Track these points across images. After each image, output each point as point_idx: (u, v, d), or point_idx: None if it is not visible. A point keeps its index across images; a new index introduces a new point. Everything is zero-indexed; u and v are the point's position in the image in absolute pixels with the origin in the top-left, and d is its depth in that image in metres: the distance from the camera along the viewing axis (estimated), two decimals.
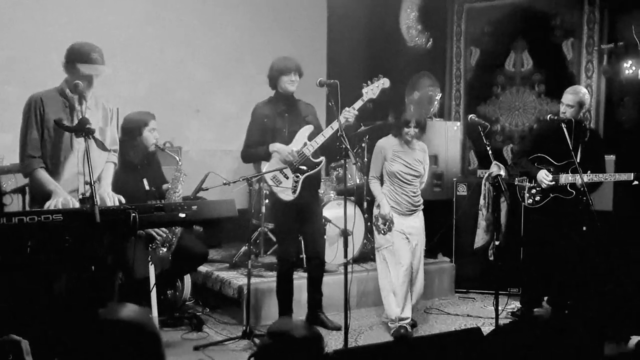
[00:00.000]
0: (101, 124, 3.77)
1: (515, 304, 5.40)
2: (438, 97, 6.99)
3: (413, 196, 4.74)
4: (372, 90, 4.44)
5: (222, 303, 5.25)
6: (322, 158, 4.58)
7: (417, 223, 4.80)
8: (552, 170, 4.90)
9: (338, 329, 4.67)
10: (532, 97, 6.79)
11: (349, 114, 4.32)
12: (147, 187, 4.50)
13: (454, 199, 6.10)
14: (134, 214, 3.19)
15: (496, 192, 4.50)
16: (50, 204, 3.38)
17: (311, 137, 4.47)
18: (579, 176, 4.66)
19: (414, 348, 2.65)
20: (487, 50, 7.02)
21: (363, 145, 6.08)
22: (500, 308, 4.37)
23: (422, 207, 4.85)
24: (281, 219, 4.68)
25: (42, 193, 3.52)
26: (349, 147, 4.05)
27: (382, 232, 4.69)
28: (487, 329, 4.32)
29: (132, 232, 3.27)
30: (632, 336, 2.91)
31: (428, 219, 4.95)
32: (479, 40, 7.07)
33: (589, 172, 4.76)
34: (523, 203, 5.10)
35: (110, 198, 3.59)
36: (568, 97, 4.90)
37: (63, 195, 3.45)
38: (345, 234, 4.04)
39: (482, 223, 5.44)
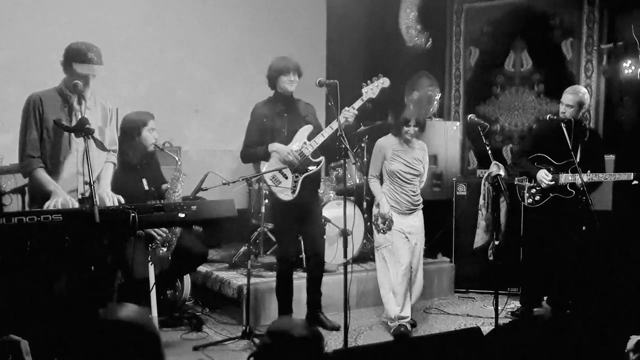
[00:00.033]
0: (100, 124, 3.78)
1: (515, 304, 5.40)
2: (437, 97, 6.99)
3: (413, 195, 4.75)
4: (371, 89, 4.44)
5: (221, 303, 5.25)
6: (322, 158, 4.58)
7: (416, 222, 4.80)
8: (551, 170, 4.90)
9: (336, 329, 4.67)
10: (532, 97, 6.79)
11: (349, 113, 4.31)
12: (146, 187, 4.50)
13: (454, 199, 6.10)
14: (133, 214, 3.20)
15: (496, 191, 4.50)
16: (49, 204, 3.39)
17: (310, 137, 4.46)
18: (578, 176, 4.66)
19: (413, 348, 2.66)
20: (486, 50, 7.03)
21: (362, 145, 6.08)
22: (499, 308, 4.37)
23: (421, 206, 4.85)
24: (281, 219, 4.68)
25: (42, 193, 3.52)
26: (348, 147, 4.05)
27: (382, 231, 4.69)
28: (486, 328, 4.32)
29: (131, 232, 3.27)
30: (631, 336, 2.90)
31: (427, 219, 4.95)
32: (478, 40, 7.08)
33: (588, 171, 4.76)
34: (523, 203, 5.10)
35: (110, 198, 3.59)
36: (567, 96, 4.90)
37: (62, 196, 3.45)
38: (344, 233, 4.04)
39: (481, 223, 5.45)
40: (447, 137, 6.34)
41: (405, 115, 4.72)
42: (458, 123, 6.58)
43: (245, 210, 6.01)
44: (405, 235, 4.70)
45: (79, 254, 3.30)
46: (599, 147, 5.08)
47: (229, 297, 5.11)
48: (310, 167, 4.48)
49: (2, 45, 5.56)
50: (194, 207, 3.47)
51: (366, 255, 5.86)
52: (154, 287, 4.27)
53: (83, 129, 3.34)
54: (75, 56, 3.56)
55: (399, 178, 4.70)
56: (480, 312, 5.44)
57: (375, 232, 4.80)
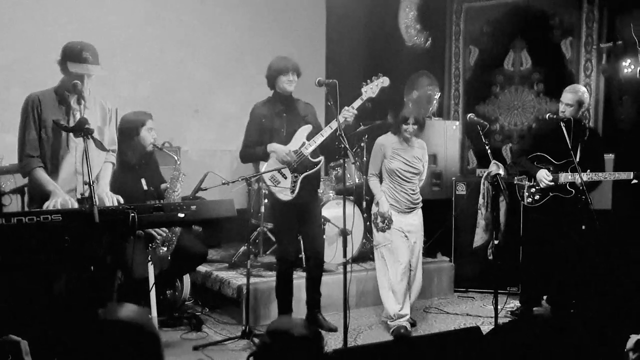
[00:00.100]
0: (100, 124, 3.78)
1: (515, 303, 5.40)
2: (437, 97, 6.99)
3: (412, 194, 4.75)
4: (371, 89, 4.44)
5: (221, 303, 5.25)
6: (321, 158, 4.58)
7: (415, 221, 4.80)
8: (551, 169, 4.90)
9: (334, 330, 4.67)
10: (531, 96, 6.79)
11: (348, 113, 4.31)
12: (145, 187, 4.50)
13: (453, 198, 6.10)
14: (133, 214, 3.20)
15: (495, 191, 4.50)
16: (49, 204, 3.39)
17: (310, 136, 4.46)
18: (578, 175, 4.66)
19: (413, 347, 2.66)
20: (486, 50, 7.03)
21: (362, 144, 6.08)
22: (499, 307, 4.38)
23: (421, 205, 4.85)
24: (280, 219, 4.68)
25: (41, 193, 3.52)
26: (347, 146, 4.05)
27: (381, 230, 4.70)
28: (486, 328, 4.31)
29: (131, 232, 3.27)
30: (631, 335, 2.90)
31: (427, 218, 4.96)
32: (478, 40, 7.08)
33: (588, 171, 4.76)
34: (522, 202, 5.10)
35: (109, 198, 3.59)
36: (567, 96, 4.90)
37: (62, 196, 3.45)
38: (344, 233, 4.04)
39: (481, 222, 5.44)
40: (446, 136, 6.34)
41: (404, 113, 4.72)
42: (457, 122, 6.59)
43: (244, 210, 6.01)
44: (405, 234, 4.71)
45: (79, 254, 3.30)
46: (599, 146, 5.08)
47: (229, 297, 5.11)
48: (309, 167, 4.49)
49: (2, 45, 5.56)
50: (193, 207, 3.47)
51: (366, 254, 5.86)
52: (154, 287, 4.27)
53: (82, 129, 3.34)
54: (70, 55, 3.56)
55: (399, 176, 4.70)
56: (479, 312, 5.45)
57: (374, 230, 4.80)
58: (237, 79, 6.79)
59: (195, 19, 6.66)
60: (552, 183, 4.85)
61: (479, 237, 5.40)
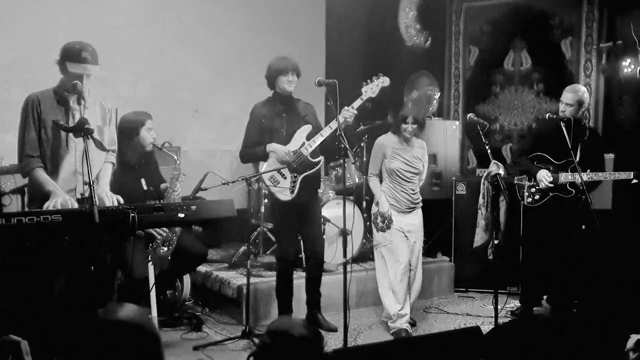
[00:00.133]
0: (99, 124, 3.78)
1: (515, 303, 5.40)
2: (437, 96, 6.99)
3: (412, 194, 4.75)
4: (371, 88, 4.44)
5: (221, 303, 5.25)
6: (321, 158, 4.58)
7: (415, 221, 4.80)
8: (551, 169, 4.90)
9: (333, 330, 4.67)
10: (531, 96, 6.79)
11: (348, 113, 4.31)
12: (145, 187, 4.50)
13: (453, 198, 6.10)
14: (133, 214, 3.20)
15: (495, 191, 4.50)
16: (49, 205, 3.39)
17: (310, 136, 4.46)
18: (578, 175, 4.66)
19: (413, 347, 2.66)
20: (486, 50, 7.03)
21: (362, 144, 6.08)
22: (499, 307, 4.38)
23: (420, 204, 4.85)
24: (280, 219, 4.68)
25: (41, 193, 3.52)
26: (347, 146, 4.05)
27: (381, 229, 4.70)
28: (486, 328, 4.31)
29: (131, 232, 3.27)
30: (631, 335, 2.90)
31: (427, 218, 4.96)
32: (477, 40, 7.08)
33: (588, 170, 4.76)
34: (522, 202, 5.10)
35: (109, 198, 3.59)
36: (567, 95, 4.90)
37: (62, 196, 3.45)
38: (344, 233, 4.04)
39: (481, 222, 5.44)
40: (446, 136, 6.34)
41: (404, 112, 4.72)
42: (457, 122, 6.58)
43: (244, 210, 6.01)
44: (405, 234, 4.71)
45: (79, 254, 3.30)
46: (599, 146, 5.08)
47: (229, 297, 5.11)
48: (309, 167, 4.48)
49: (2, 45, 5.56)
50: (193, 207, 3.47)
51: (366, 254, 5.86)
52: (154, 287, 4.27)
53: (82, 129, 3.34)
54: (69, 55, 3.56)
55: (399, 176, 4.70)
56: (479, 312, 5.45)
57: (374, 230, 4.80)
58: (237, 79, 6.79)
59: (195, 19, 6.66)
60: (552, 185, 4.85)
61: (479, 237, 5.40)
